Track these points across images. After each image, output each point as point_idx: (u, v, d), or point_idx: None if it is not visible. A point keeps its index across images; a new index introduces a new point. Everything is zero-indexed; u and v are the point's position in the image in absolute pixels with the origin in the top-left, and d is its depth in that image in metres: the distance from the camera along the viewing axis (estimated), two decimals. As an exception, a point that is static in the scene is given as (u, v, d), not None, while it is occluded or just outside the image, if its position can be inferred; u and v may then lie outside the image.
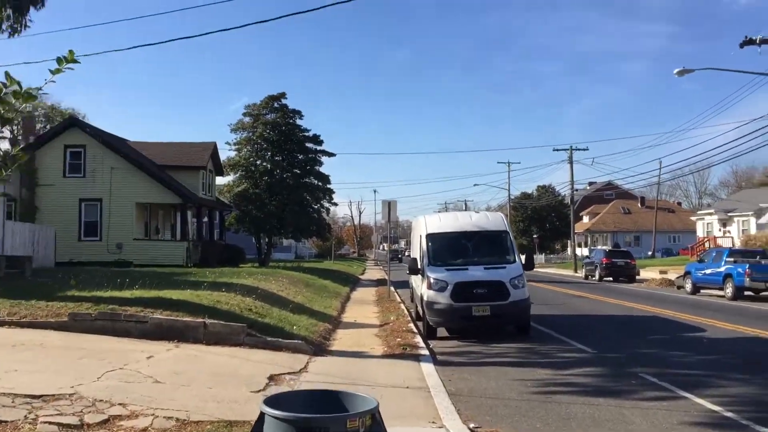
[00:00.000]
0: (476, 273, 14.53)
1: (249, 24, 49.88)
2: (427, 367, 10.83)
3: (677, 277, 33.66)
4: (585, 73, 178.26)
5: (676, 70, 25.34)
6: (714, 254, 28.68)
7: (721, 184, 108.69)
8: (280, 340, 11.67)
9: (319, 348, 12.27)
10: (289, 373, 9.71)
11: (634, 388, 9.37)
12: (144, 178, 32.17)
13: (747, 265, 25.12)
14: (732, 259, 26.59)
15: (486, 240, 15.79)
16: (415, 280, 16.98)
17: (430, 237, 15.66)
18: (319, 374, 9.88)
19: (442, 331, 15.06)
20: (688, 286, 29.13)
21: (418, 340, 13.54)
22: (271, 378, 9.26)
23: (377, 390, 8.96)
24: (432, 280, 14.53)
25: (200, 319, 11.73)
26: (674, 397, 8.82)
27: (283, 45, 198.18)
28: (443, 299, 14.25)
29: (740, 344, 13.69)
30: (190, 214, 38.64)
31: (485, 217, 16.60)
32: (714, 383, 9.66)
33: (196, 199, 34.35)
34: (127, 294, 13.47)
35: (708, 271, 27.61)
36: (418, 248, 16.38)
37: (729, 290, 25.73)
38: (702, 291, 28.48)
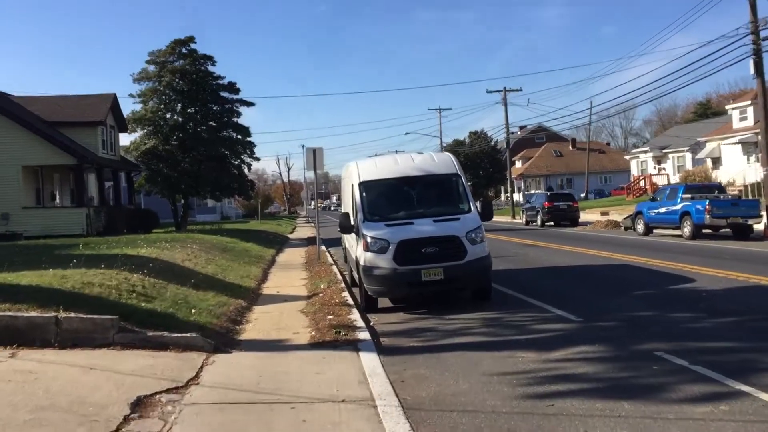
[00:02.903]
0: (424, 228, 11.58)
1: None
2: (370, 360, 7.92)
3: (624, 218, 31.83)
4: (504, 20, 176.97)
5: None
6: (668, 191, 26.67)
7: (645, 123, 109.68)
8: (165, 334, 8.48)
9: (224, 339, 9.15)
10: (168, 391, 6.60)
11: (663, 379, 6.66)
12: (30, 137, 27.80)
13: (707, 201, 23.15)
14: (689, 196, 24.60)
15: (434, 186, 12.81)
16: (348, 240, 13.95)
17: (365, 186, 12.59)
18: (215, 388, 6.79)
19: (383, 300, 12.19)
20: (640, 227, 27.17)
21: (355, 316, 10.59)
22: (138, 404, 6.13)
23: (299, 410, 6.01)
24: (369, 240, 11.53)
25: (52, 313, 8.41)
26: (727, 392, 6.14)
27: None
28: (384, 263, 11.29)
29: (747, 296, 11.29)
30: (93, 177, 34.36)
31: (431, 158, 13.54)
32: (764, 362, 7.07)
33: (95, 159, 30.12)
34: (-41, 282, 9.97)
35: (662, 210, 25.61)
36: (350, 201, 13.31)
37: (687, 229, 23.78)
38: (655, 231, 26.62)
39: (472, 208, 12.22)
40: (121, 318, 8.66)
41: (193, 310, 10.22)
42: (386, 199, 12.57)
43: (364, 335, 9.25)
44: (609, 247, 21.42)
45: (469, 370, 7.46)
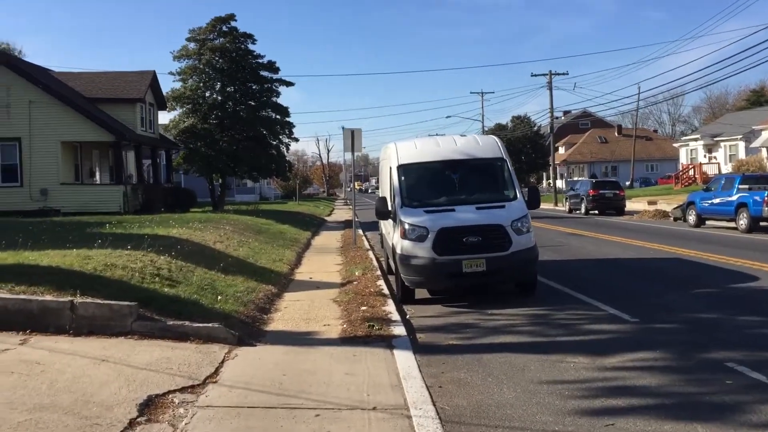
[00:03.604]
0: (466, 215, 10.82)
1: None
2: (405, 359, 7.24)
3: (674, 208, 30.55)
4: (551, 1, 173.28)
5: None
6: (723, 181, 25.33)
7: (694, 110, 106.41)
8: (186, 323, 7.92)
9: (249, 330, 8.59)
10: (183, 390, 6.02)
11: (739, 396, 5.83)
12: (70, 113, 27.65)
13: (766, 193, 21.83)
14: (746, 186, 23.28)
15: (477, 171, 11.99)
16: (385, 226, 13.24)
17: (404, 169, 11.86)
18: (234, 388, 6.19)
19: (421, 291, 11.49)
20: (692, 218, 25.89)
21: (391, 308, 9.93)
22: (147, 405, 5.56)
23: (323, 419, 5.36)
24: (407, 227, 10.81)
25: (68, 298, 7.91)
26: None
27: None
28: (423, 252, 10.57)
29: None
30: (132, 155, 34.26)
31: (474, 141, 12.73)
32: None
33: (134, 136, 29.94)
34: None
35: (716, 201, 24.32)
36: (388, 184, 12.61)
37: (743, 221, 22.51)
38: (707, 223, 25.35)
39: (518, 195, 11.41)
40: (142, 304, 8.15)
41: (219, 297, 9.68)
42: (426, 183, 11.83)
43: (399, 330, 8.58)
44: (659, 238, 20.35)
45: (515, 375, 6.72)
